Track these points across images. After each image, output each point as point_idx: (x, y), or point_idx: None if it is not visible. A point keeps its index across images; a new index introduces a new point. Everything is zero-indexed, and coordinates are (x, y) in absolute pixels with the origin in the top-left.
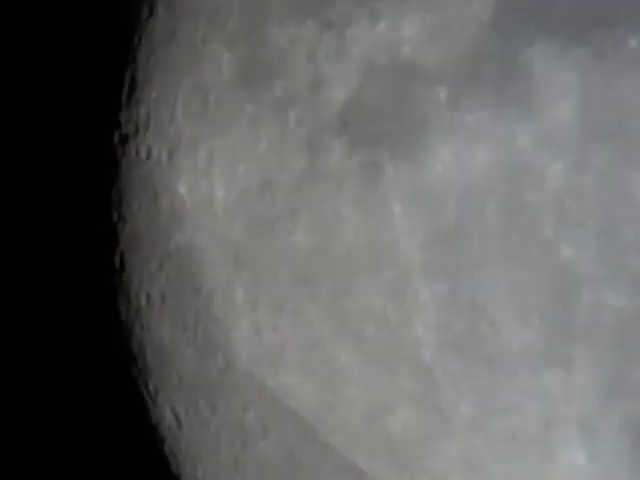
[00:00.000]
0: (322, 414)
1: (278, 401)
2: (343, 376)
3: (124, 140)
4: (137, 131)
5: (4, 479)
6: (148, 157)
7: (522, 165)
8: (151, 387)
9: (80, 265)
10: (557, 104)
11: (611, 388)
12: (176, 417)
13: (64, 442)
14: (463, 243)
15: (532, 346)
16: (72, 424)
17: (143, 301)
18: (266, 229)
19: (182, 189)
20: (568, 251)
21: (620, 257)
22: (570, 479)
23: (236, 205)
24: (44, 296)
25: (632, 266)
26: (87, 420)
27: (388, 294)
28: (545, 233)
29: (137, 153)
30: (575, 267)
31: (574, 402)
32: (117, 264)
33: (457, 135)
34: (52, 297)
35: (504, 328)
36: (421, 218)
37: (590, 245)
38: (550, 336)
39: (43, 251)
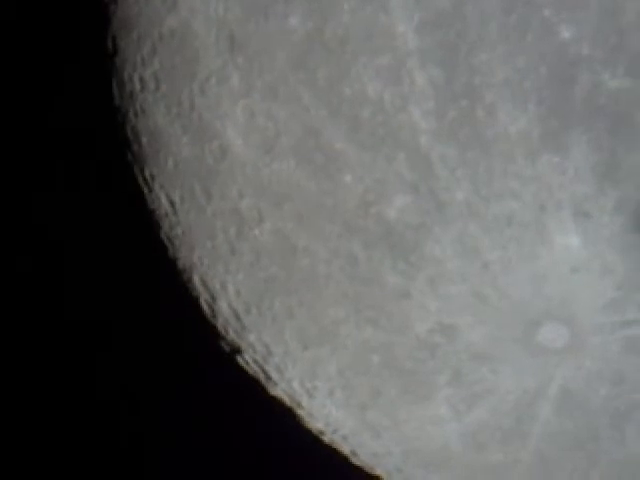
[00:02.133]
0: (318, 200)
1: (273, 188)
2: (338, 162)
3: None
4: None
5: None
6: None
7: None
8: (147, 174)
9: (73, 49)
10: None
11: (606, 172)
12: (172, 204)
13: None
14: (460, 26)
15: (528, 131)
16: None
17: (137, 85)
18: (262, 13)
19: None
20: (567, 32)
21: (620, 37)
22: (564, 262)
23: None
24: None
25: (631, 46)
26: (83, 212)
27: (384, 79)
28: (544, 14)
29: None
30: (574, 48)
31: (569, 186)
32: (109, 48)
33: None
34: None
35: (500, 113)
36: (418, 0)
37: (590, 25)
38: (547, 121)
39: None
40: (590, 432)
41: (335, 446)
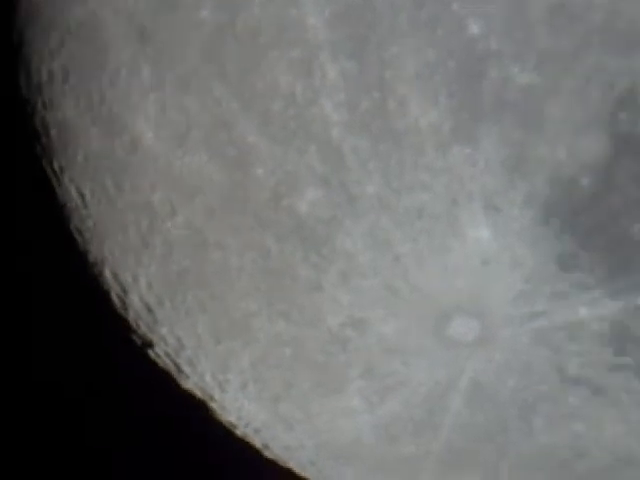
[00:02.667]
0: (230, 194)
1: (185, 181)
2: (250, 156)
3: None
4: None
5: None
6: None
7: None
8: (56, 166)
9: None
10: None
11: (515, 165)
12: (82, 196)
13: None
14: (371, 19)
15: (439, 124)
16: None
17: (45, 77)
18: (172, 4)
19: None
20: (476, 27)
21: (527, 32)
22: (475, 255)
23: None
24: None
25: (539, 41)
26: None
27: (296, 72)
28: (453, 8)
29: None
30: (482, 43)
31: (479, 179)
32: (16, 39)
33: None
34: None
35: (412, 106)
36: None
37: (498, 20)
38: (457, 114)
39: None
40: (499, 424)
41: (248, 439)
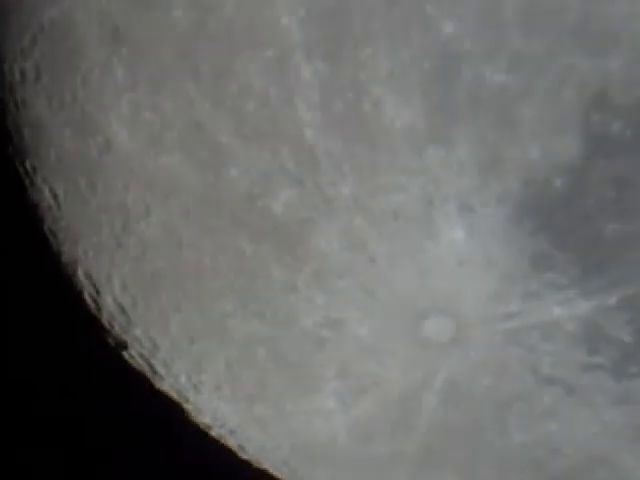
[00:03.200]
0: (204, 195)
1: (160, 181)
2: (224, 156)
3: None
4: None
5: None
6: None
7: None
8: (28, 166)
9: None
10: None
11: (489, 165)
12: (55, 197)
13: None
14: (345, 20)
15: (414, 125)
16: None
17: (17, 76)
18: (145, 4)
19: None
20: (449, 28)
21: (500, 33)
22: (450, 255)
23: None
24: None
25: (512, 43)
26: None
27: (269, 73)
28: (426, 10)
29: None
30: (456, 44)
31: (454, 180)
32: None
33: None
34: None
35: (386, 107)
36: None
37: (470, 21)
38: (431, 115)
39: None
40: (474, 423)
41: (223, 440)
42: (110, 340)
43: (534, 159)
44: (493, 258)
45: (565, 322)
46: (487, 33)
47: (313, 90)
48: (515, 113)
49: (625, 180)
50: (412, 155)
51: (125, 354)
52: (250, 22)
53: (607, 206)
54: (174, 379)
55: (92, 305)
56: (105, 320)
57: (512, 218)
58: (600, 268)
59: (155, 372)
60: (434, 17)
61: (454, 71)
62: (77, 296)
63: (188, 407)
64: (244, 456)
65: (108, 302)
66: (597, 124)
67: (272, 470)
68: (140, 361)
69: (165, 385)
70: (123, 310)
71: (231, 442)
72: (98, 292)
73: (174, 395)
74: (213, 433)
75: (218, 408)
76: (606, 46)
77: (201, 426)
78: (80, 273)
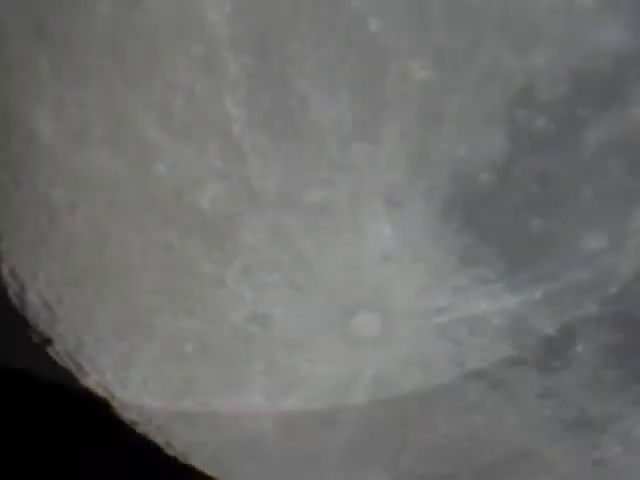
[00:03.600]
0: (132, 190)
1: (86, 177)
2: (151, 151)
3: None
4: None
5: None
6: None
7: None
8: None
9: None
10: None
11: (417, 161)
12: None
13: None
14: (272, 15)
15: (341, 120)
16: None
17: None
18: None
19: None
20: (375, 24)
21: (425, 29)
22: (377, 250)
23: None
24: None
25: (437, 39)
26: None
27: (196, 68)
28: (353, 5)
29: None
30: (382, 40)
31: (381, 175)
32: None
33: None
34: None
35: (313, 102)
36: None
37: (397, 17)
38: (358, 110)
39: None
40: (401, 417)
41: (150, 436)
42: (35, 337)
43: (460, 155)
44: (421, 253)
45: (492, 316)
46: (412, 29)
47: (240, 85)
48: (441, 109)
49: (549, 176)
50: (339, 150)
51: (50, 351)
52: (176, 17)
53: (532, 201)
54: (100, 375)
55: (17, 303)
56: (30, 317)
57: (439, 213)
58: (526, 263)
59: (80, 368)
60: (361, 13)
61: (380, 67)
62: (1, 294)
63: (115, 403)
64: (171, 452)
65: (33, 299)
66: (522, 119)
67: (200, 466)
68: (65, 358)
69: (90, 381)
70: (48, 307)
71: (158, 438)
72: (23, 289)
73: (100, 391)
74: (139, 429)
75: (145, 404)
76: (529, 43)
77: (127, 422)
78: (5, 270)
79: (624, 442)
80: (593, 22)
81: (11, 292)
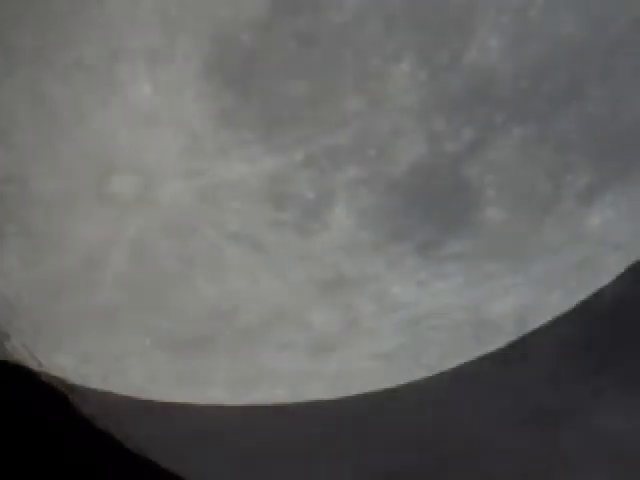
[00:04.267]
0: None
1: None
2: None
3: None
4: None
5: None
6: None
7: None
8: None
9: None
10: None
11: (176, 21)
12: None
13: None
14: None
15: None
16: None
17: None
18: None
19: None
20: None
21: None
22: (136, 111)
23: None
24: None
25: None
26: None
27: None
28: None
29: None
30: None
31: (140, 34)
32: None
33: None
34: None
35: None
36: None
37: None
38: None
39: None
40: (161, 280)
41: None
42: None
43: (222, 15)
44: (181, 114)
45: (251, 179)
46: None
47: None
48: None
49: (309, 37)
50: (95, 6)
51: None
52: None
53: (292, 63)
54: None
55: None
56: None
57: (200, 74)
58: (285, 125)
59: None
60: None
61: None
62: None
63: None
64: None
65: None
66: None
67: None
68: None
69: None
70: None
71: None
72: None
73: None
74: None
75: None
76: None
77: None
78: None
79: (378, 301)
80: None
81: None
